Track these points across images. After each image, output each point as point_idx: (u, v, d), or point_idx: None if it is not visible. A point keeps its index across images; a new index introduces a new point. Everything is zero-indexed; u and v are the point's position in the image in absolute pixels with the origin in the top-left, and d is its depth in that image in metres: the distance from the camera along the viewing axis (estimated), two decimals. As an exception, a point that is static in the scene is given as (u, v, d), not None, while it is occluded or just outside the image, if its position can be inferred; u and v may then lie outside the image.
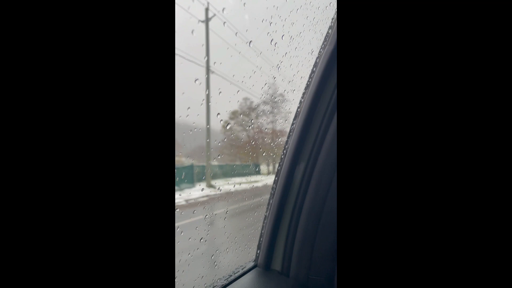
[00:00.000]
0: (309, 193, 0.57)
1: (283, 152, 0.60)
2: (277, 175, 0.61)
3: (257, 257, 0.62)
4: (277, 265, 0.60)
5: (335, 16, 0.53)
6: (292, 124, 0.60)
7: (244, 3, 0.38)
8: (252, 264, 0.62)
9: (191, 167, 3.59)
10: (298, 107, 0.59)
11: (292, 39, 0.46)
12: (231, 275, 0.57)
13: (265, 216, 0.62)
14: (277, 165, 0.63)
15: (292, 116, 0.57)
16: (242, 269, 0.60)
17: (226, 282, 0.55)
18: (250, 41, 0.43)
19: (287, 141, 0.60)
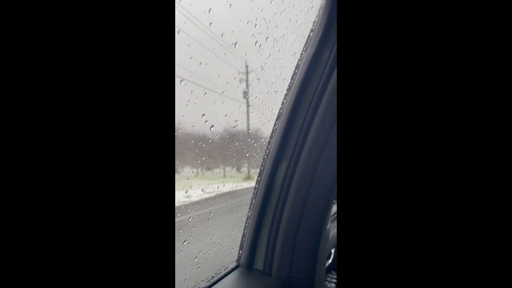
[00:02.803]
0: (290, 193, 0.58)
1: (266, 153, 0.61)
2: (259, 175, 0.61)
3: (239, 257, 0.62)
4: (259, 264, 0.60)
5: (317, 19, 0.54)
6: (275, 125, 0.60)
7: (230, 4, 0.38)
8: (234, 264, 0.62)
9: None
10: (281, 108, 0.60)
11: (275, 41, 0.47)
12: (213, 276, 0.57)
13: (248, 216, 0.62)
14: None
15: (275, 117, 0.58)
16: (225, 269, 0.60)
17: (208, 283, 0.54)
18: (236, 43, 0.43)
19: (269, 142, 0.61)
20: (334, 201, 0.66)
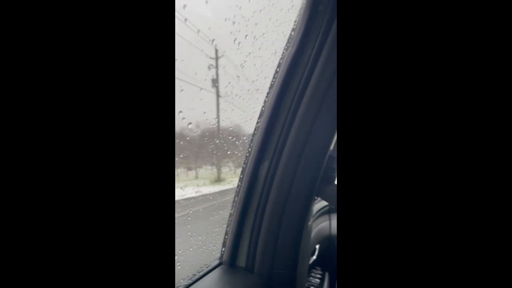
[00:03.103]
0: (272, 191, 0.59)
1: (248, 151, 0.61)
2: (242, 173, 0.62)
3: (222, 254, 0.62)
4: (242, 261, 0.61)
5: (298, 18, 0.55)
6: (257, 123, 0.61)
7: (206, 1, 0.37)
8: (217, 262, 0.62)
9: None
10: (263, 106, 0.60)
11: (255, 39, 0.47)
12: (195, 274, 0.57)
13: (230, 214, 0.63)
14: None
15: (257, 115, 0.58)
16: (207, 267, 0.60)
17: (190, 281, 0.54)
18: (213, 39, 0.43)
19: (252, 140, 0.61)
20: (316, 198, 0.68)
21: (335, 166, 0.63)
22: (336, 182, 0.67)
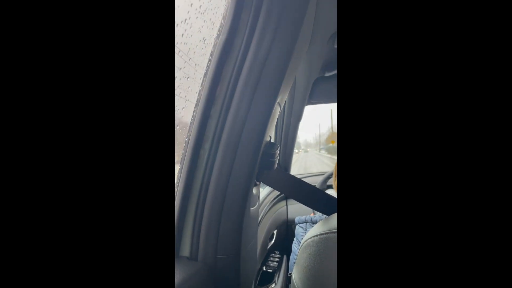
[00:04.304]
0: (213, 178, 0.59)
1: (186, 140, 0.61)
2: (181, 163, 0.61)
3: (165, 247, 0.62)
4: (185, 251, 0.61)
5: (227, 5, 0.55)
6: (194, 111, 0.60)
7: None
8: (160, 255, 0.61)
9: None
10: (198, 95, 0.60)
11: (176, 25, 0.46)
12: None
13: (172, 205, 0.62)
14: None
15: (191, 103, 0.58)
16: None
17: None
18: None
19: (189, 128, 0.61)
20: (257, 183, 0.70)
21: (273, 151, 0.66)
22: (275, 167, 0.69)
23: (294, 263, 1.15)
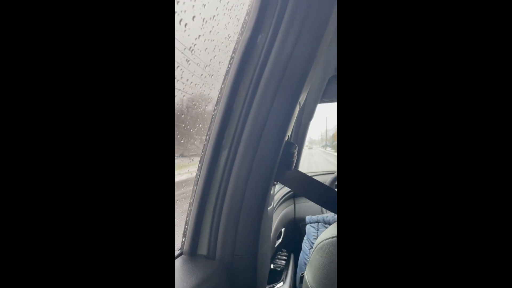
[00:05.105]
0: (232, 178, 0.59)
1: (206, 139, 0.60)
2: (200, 161, 0.61)
3: (182, 245, 0.62)
4: (203, 250, 0.61)
5: (251, 3, 0.54)
6: (214, 110, 0.60)
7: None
8: (178, 252, 0.61)
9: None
10: (219, 93, 0.59)
11: (205, 21, 0.45)
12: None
13: (190, 203, 0.62)
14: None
15: (213, 102, 0.57)
16: (167, 259, 0.59)
17: None
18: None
19: (209, 127, 0.60)
20: (275, 182, 0.69)
21: (293, 151, 0.65)
22: (293, 167, 0.69)
23: (305, 263, 1.15)
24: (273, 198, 0.76)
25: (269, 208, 0.68)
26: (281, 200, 1.54)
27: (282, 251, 1.46)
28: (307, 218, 1.33)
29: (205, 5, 0.41)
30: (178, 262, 0.59)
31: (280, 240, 1.47)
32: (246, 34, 0.54)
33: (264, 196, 0.60)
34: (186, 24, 0.40)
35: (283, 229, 1.53)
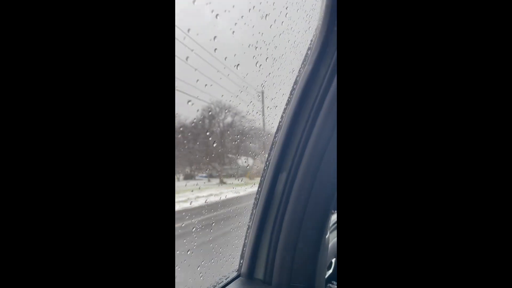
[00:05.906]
0: (290, 203, 0.60)
1: (266, 164, 0.63)
2: (260, 185, 0.63)
3: (240, 266, 0.63)
4: (260, 274, 0.62)
5: (314, 38, 0.58)
6: (275, 137, 0.63)
7: (233, 32, 0.41)
8: (235, 274, 0.63)
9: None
10: (280, 121, 0.62)
11: (275, 60, 0.49)
12: (215, 286, 0.58)
13: (248, 225, 0.64)
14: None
15: (274, 129, 0.60)
16: (226, 279, 0.61)
17: None
18: (238, 64, 0.46)
19: (269, 153, 0.63)
20: (333, 211, 0.68)
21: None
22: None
23: None
24: (331, 225, 0.75)
25: (326, 236, 0.67)
26: (332, 228, 1.47)
27: (332, 283, 1.37)
28: None
29: (276, 46, 0.46)
30: (235, 284, 0.60)
31: (330, 271, 1.38)
32: (309, 67, 0.57)
33: (323, 224, 0.59)
34: (260, 65, 0.45)
35: (333, 260, 1.44)
